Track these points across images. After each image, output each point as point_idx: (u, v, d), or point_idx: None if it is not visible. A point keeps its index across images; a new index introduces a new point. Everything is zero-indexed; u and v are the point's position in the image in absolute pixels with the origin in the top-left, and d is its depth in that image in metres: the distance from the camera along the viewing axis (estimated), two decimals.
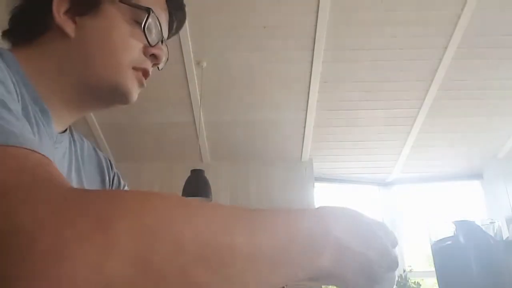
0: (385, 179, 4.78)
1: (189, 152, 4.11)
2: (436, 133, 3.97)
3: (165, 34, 0.65)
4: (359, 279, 0.42)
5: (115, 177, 0.73)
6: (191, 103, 3.54)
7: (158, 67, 0.65)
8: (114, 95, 0.59)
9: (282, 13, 2.81)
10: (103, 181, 0.69)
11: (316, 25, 2.88)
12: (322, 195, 4.57)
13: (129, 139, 4.00)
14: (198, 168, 2.95)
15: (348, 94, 3.53)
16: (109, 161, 0.73)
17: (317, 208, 0.44)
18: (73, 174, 0.62)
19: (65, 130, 0.62)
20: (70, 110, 0.59)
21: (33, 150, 0.33)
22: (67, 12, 0.54)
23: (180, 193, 2.83)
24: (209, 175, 2.97)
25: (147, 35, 0.58)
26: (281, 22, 2.88)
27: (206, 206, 0.33)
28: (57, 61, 0.55)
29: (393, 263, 0.46)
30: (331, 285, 0.44)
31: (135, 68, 0.58)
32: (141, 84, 0.61)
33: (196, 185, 2.85)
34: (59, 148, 0.58)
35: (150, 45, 0.59)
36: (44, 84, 0.54)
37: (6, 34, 0.57)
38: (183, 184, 2.86)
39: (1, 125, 0.33)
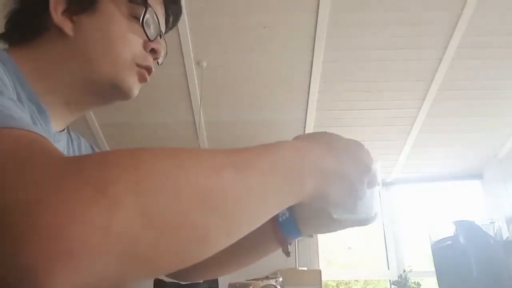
0: (385, 179, 4.77)
1: None
2: (436, 133, 3.96)
3: (163, 29, 0.65)
4: (342, 197, 0.47)
5: None
6: (191, 103, 3.54)
7: (158, 62, 0.65)
8: (115, 91, 0.59)
9: (282, 13, 2.81)
10: None
11: (316, 25, 2.88)
12: None
13: (129, 139, 4.00)
14: None
15: (348, 94, 3.53)
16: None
17: (294, 138, 0.47)
18: None
19: (64, 129, 0.62)
20: (70, 108, 0.60)
21: (29, 130, 0.34)
22: (64, 12, 0.54)
23: None
24: None
25: (146, 30, 0.58)
26: (281, 22, 2.88)
27: (192, 152, 0.35)
28: (56, 61, 0.55)
29: (373, 178, 0.50)
30: (317, 205, 0.48)
31: (138, 65, 0.59)
32: (143, 80, 0.61)
33: None
34: (57, 147, 0.58)
35: (149, 40, 0.59)
36: (43, 84, 0.54)
37: (3, 36, 0.57)
38: None
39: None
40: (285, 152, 0.42)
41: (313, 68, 3.19)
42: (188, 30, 2.88)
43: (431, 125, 3.82)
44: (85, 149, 0.68)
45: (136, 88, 0.60)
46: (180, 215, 0.30)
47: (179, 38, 2.91)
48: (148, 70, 0.61)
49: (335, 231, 0.66)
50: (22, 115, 0.36)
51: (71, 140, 0.64)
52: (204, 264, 0.74)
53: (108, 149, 4.01)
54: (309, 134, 0.49)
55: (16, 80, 0.49)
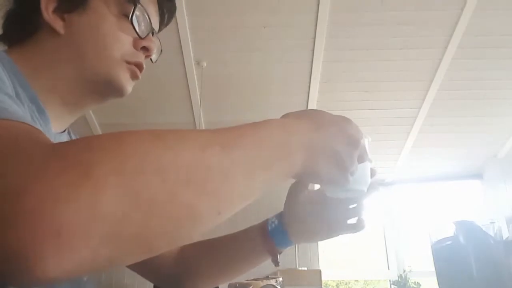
0: (385, 179, 4.78)
1: None
2: (436, 133, 3.97)
3: (155, 26, 0.65)
4: (331, 170, 0.46)
5: None
6: (191, 103, 3.54)
7: (151, 60, 0.65)
8: (108, 88, 0.59)
9: (282, 13, 2.81)
10: None
11: (316, 25, 2.88)
12: None
13: None
14: None
15: (348, 94, 3.53)
16: None
17: (282, 116, 0.47)
18: None
19: (64, 130, 0.62)
20: (69, 108, 0.60)
21: (21, 122, 0.34)
22: (55, 10, 0.55)
23: None
24: None
25: (135, 27, 0.59)
26: (281, 22, 2.88)
27: (177, 133, 0.35)
28: (49, 59, 0.56)
29: (362, 151, 0.50)
30: (306, 181, 0.49)
31: (127, 62, 0.59)
32: (135, 77, 0.61)
33: None
34: None
35: (140, 37, 0.60)
36: (40, 84, 0.55)
37: (2, 37, 0.58)
38: None
39: None
40: (272, 129, 0.42)
41: (313, 68, 3.19)
42: (188, 30, 2.88)
43: (431, 125, 3.82)
44: None
45: (128, 85, 0.61)
46: (167, 194, 0.30)
47: (179, 38, 2.91)
48: (139, 66, 0.61)
49: (324, 239, 0.67)
50: (16, 109, 0.36)
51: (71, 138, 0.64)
52: (196, 274, 0.76)
53: None
54: (297, 111, 0.49)
55: (16, 80, 0.50)
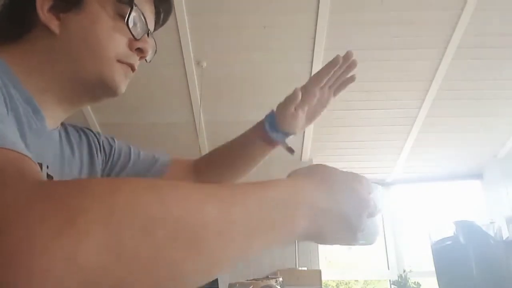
0: (385, 179, 4.77)
1: (189, 152, 4.11)
2: (436, 133, 3.96)
3: (151, 27, 0.65)
4: (339, 233, 0.44)
5: (104, 144, 0.75)
6: (191, 103, 3.54)
7: (146, 60, 0.65)
8: (102, 88, 0.59)
9: (282, 13, 2.81)
10: (92, 157, 0.70)
11: (316, 25, 2.88)
12: None
13: (129, 139, 3.97)
14: None
15: (348, 94, 3.52)
16: (93, 133, 0.74)
17: (288, 175, 0.45)
18: (66, 168, 0.62)
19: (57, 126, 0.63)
20: (63, 105, 0.60)
21: (9, 149, 0.33)
22: (51, 9, 0.55)
23: None
24: None
25: (131, 29, 0.59)
26: (281, 22, 2.88)
27: (175, 185, 0.33)
28: (44, 58, 0.56)
29: (372, 210, 0.47)
30: (312, 242, 0.45)
31: (120, 61, 0.59)
32: (126, 77, 0.61)
33: None
34: (52, 144, 0.59)
35: (135, 39, 0.60)
36: (34, 82, 0.55)
37: None
38: None
39: None
40: (278, 189, 0.40)
41: (313, 68, 3.19)
42: (188, 30, 2.88)
43: (431, 125, 3.82)
44: (75, 138, 0.68)
45: (122, 84, 0.60)
46: (152, 250, 0.28)
47: (179, 38, 2.91)
48: (131, 67, 0.61)
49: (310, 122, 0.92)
50: (5, 132, 0.35)
51: (62, 135, 0.65)
52: (207, 168, 0.87)
53: None
54: (304, 169, 0.46)
55: (9, 81, 0.49)
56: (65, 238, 0.25)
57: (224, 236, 0.33)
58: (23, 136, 0.49)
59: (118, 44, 0.58)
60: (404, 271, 4.18)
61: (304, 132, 3.91)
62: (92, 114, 3.63)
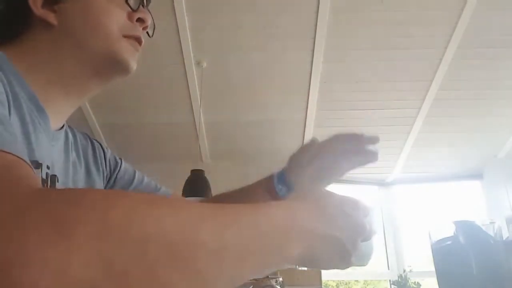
0: (385, 179, 4.77)
1: (189, 152, 4.11)
2: (436, 133, 3.97)
3: None
4: (333, 259, 0.44)
5: (110, 161, 0.74)
6: (191, 103, 3.54)
7: (148, 33, 0.66)
8: (112, 66, 0.60)
9: (282, 13, 2.81)
10: (98, 170, 0.70)
11: (316, 25, 2.88)
12: None
13: (129, 139, 3.99)
14: (198, 168, 2.95)
15: (348, 94, 3.53)
16: (101, 146, 0.74)
17: (284, 199, 0.44)
18: (71, 170, 0.62)
19: (62, 127, 0.62)
20: (70, 98, 0.60)
21: (6, 152, 0.33)
22: (44, 5, 0.55)
23: (180, 193, 2.83)
24: (209, 175, 2.97)
25: (127, 1, 0.59)
26: (281, 22, 2.88)
27: (170, 203, 0.33)
28: (49, 52, 0.56)
29: (368, 234, 0.47)
30: (305, 267, 0.45)
31: (126, 36, 0.59)
32: (135, 50, 0.61)
33: (196, 185, 2.85)
34: (55, 145, 0.59)
35: (133, 10, 0.60)
36: (39, 78, 0.55)
37: None
38: (183, 184, 2.86)
39: None
40: (274, 213, 0.39)
41: (313, 68, 3.18)
42: (188, 30, 2.88)
43: (431, 125, 3.82)
44: (82, 144, 0.69)
45: (132, 60, 0.61)
46: (145, 269, 0.28)
47: (179, 38, 2.91)
48: (138, 40, 0.61)
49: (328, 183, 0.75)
50: (4, 133, 0.35)
51: (68, 137, 0.65)
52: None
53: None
54: (300, 191, 0.46)
55: (14, 79, 0.49)
56: (56, 250, 0.25)
57: (218, 258, 0.32)
58: (26, 135, 0.49)
59: (118, 18, 0.59)
60: (404, 271, 4.18)
61: (304, 132, 3.91)
62: (92, 114, 3.63)
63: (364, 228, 0.46)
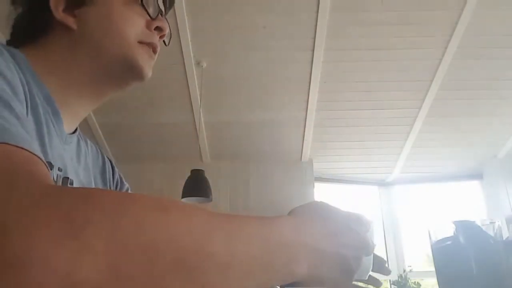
0: (385, 179, 4.78)
1: (189, 152, 4.11)
2: (436, 133, 3.97)
3: (162, 7, 0.66)
4: (336, 276, 0.44)
5: (118, 180, 0.74)
6: (191, 103, 3.54)
7: (164, 42, 0.66)
8: (127, 71, 0.60)
9: (282, 13, 2.81)
10: (104, 184, 0.70)
11: (316, 25, 2.88)
12: (322, 195, 4.56)
13: (129, 139, 4.00)
14: (198, 168, 2.95)
15: (348, 94, 3.53)
16: (111, 163, 0.74)
17: (290, 213, 0.45)
18: (82, 175, 0.62)
19: (74, 131, 0.63)
20: (86, 101, 0.61)
21: (23, 148, 0.33)
22: (65, 8, 0.56)
23: (180, 193, 2.83)
24: (209, 175, 2.97)
25: (146, 9, 0.60)
26: (281, 22, 2.88)
27: (183, 211, 0.33)
28: (66, 56, 0.57)
29: (369, 250, 0.47)
30: (309, 287, 0.45)
31: (141, 42, 0.60)
32: (150, 57, 0.62)
33: (196, 185, 2.85)
34: (67, 149, 0.59)
35: (152, 18, 0.61)
36: (56, 81, 0.56)
37: (11, 41, 0.59)
38: (183, 184, 2.86)
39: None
40: (281, 228, 0.40)
41: (313, 68, 3.18)
42: (188, 30, 2.88)
43: (431, 125, 3.82)
44: (92, 154, 0.69)
45: (147, 66, 0.61)
46: (152, 277, 0.27)
47: (179, 38, 2.91)
48: (153, 47, 0.62)
49: None
50: (20, 129, 0.35)
51: (81, 143, 0.65)
52: None
53: (108, 149, 4.01)
54: (306, 207, 0.46)
55: (32, 80, 0.50)
56: (64, 249, 0.25)
57: (225, 271, 0.32)
58: (40, 136, 0.50)
59: (136, 26, 0.59)
60: (404, 271, 4.18)
61: (304, 132, 3.91)
62: (92, 114, 3.63)
63: (368, 244, 0.46)
